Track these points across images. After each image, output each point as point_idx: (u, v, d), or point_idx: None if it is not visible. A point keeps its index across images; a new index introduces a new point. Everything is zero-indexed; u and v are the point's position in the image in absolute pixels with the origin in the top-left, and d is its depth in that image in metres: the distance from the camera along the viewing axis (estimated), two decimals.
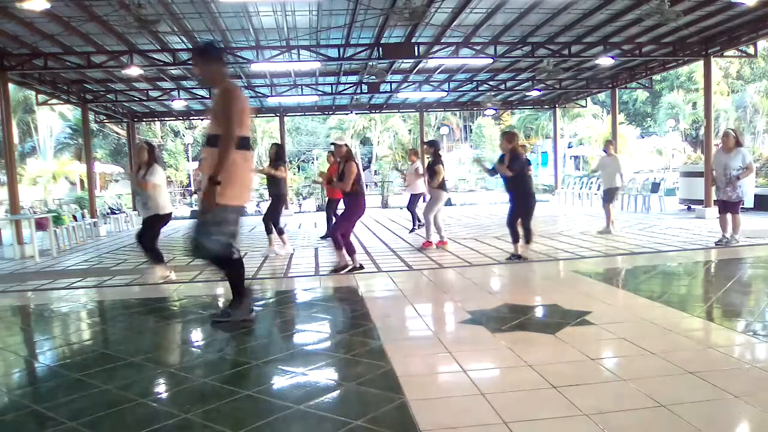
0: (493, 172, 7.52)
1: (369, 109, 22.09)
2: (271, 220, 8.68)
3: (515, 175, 6.93)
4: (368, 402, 2.74)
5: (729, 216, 7.61)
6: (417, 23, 10.59)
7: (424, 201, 10.57)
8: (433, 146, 8.94)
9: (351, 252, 6.68)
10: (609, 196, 9.95)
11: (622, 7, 10.66)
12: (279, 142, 9.32)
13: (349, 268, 6.69)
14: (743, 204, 7.79)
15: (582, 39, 12.75)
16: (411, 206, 10.65)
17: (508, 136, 7.26)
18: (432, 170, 8.52)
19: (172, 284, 6.35)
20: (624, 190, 15.24)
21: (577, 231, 10.29)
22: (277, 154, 8.73)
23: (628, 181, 17.06)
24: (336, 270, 6.71)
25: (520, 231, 7.17)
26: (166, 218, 6.56)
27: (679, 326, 3.87)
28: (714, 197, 7.77)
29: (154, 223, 6.45)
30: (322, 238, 10.40)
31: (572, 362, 3.19)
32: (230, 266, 4.18)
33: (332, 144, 7.04)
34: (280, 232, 8.71)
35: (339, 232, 6.67)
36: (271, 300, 5.54)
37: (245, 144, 3.98)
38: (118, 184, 31.00)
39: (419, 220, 10.50)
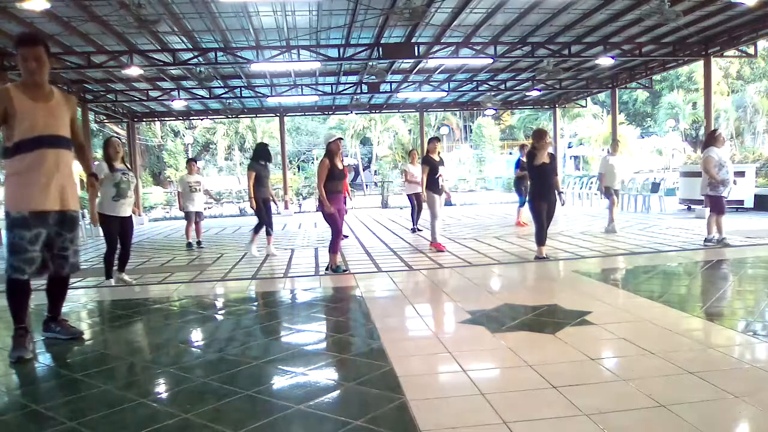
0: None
1: (369, 109, 22.09)
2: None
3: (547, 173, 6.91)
4: (368, 402, 2.74)
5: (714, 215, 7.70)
6: (417, 23, 10.60)
7: (418, 201, 10.62)
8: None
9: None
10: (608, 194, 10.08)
11: (622, 7, 10.67)
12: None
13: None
14: None
15: (582, 39, 12.75)
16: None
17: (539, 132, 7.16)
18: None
19: (172, 284, 6.35)
20: (624, 190, 15.23)
21: (577, 231, 10.29)
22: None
23: (629, 181, 17.06)
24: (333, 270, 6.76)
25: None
26: None
27: (679, 326, 3.87)
28: (715, 195, 7.70)
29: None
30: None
31: (572, 362, 3.19)
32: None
33: (339, 139, 6.61)
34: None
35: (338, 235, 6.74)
36: (271, 300, 5.54)
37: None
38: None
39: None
